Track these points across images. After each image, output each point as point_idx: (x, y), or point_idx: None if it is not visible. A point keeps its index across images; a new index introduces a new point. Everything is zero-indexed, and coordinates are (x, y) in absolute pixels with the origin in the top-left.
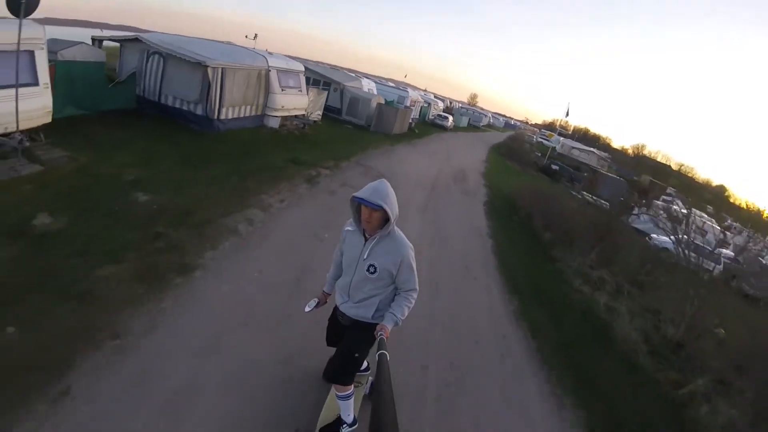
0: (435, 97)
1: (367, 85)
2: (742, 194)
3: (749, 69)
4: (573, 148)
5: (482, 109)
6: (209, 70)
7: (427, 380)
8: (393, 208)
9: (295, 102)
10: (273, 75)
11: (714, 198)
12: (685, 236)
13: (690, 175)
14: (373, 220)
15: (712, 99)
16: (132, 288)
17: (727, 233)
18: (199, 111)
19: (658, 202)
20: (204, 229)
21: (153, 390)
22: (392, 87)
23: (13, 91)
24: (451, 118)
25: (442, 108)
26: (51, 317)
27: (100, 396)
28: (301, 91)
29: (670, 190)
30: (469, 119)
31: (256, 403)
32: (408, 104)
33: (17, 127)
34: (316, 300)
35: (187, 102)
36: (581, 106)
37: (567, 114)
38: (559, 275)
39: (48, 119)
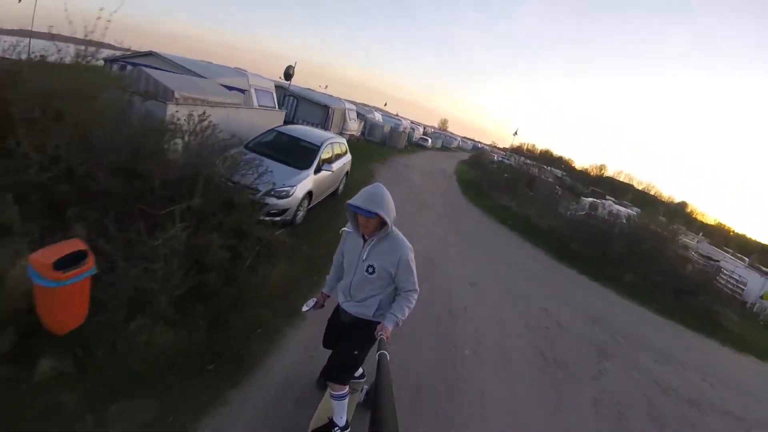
0: (412, 123)
1: (378, 116)
2: (704, 209)
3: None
4: (524, 164)
5: (452, 133)
6: (329, 109)
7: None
8: (389, 213)
9: (354, 126)
10: (346, 112)
11: (671, 211)
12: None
13: (649, 191)
14: (370, 225)
15: (680, 125)
16: None
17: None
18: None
19: (586, 198)
20: (370, 164)
21: None
22: (390, 117)
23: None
24: (430, 140)
25: (422, 132)
26: None
27: None
28: (356, 119)
29: (608, 198)
30: (442, 142)
31: None
32: (402, 130)
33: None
34: (315, 300)
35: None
36: (549, 131)
37: (515, 133)
38: (487, 198)
39: None
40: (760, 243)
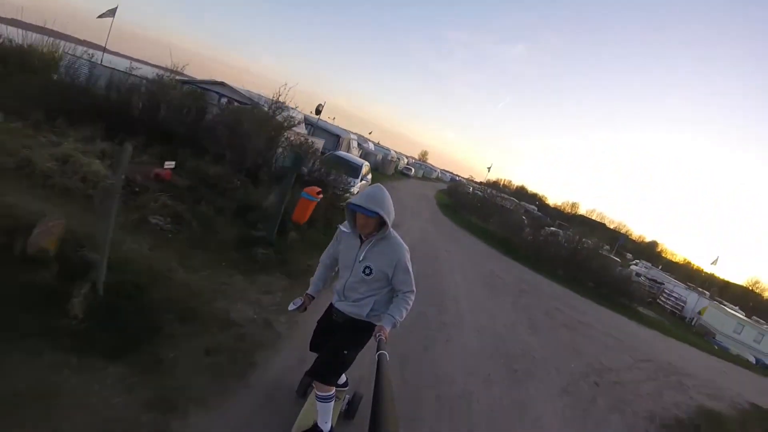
0: (396, 152)
1: (371, 145)
2: (674, 249)
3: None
4: (497, 196)
5: (432, 165)
6: (340, 138)
7: (426, 203)
8: (389, 213)
9: (356, 153)
10: (350, 141)
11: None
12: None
13: (620, 230)
14: (368, 225)
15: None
16: None
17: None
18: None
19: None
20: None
21: None
22: (380, 147)
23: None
24: (413, 169)
25: (406, 162)
26: None
27: None
28: (357, 147)
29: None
30: (423, 172)
31: None
32: (390, 158)
33: None
34: (301, 300)
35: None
36: (527, 168)
37: (489, 168)
38: (458, 215)
39: None
40: (723, 280)
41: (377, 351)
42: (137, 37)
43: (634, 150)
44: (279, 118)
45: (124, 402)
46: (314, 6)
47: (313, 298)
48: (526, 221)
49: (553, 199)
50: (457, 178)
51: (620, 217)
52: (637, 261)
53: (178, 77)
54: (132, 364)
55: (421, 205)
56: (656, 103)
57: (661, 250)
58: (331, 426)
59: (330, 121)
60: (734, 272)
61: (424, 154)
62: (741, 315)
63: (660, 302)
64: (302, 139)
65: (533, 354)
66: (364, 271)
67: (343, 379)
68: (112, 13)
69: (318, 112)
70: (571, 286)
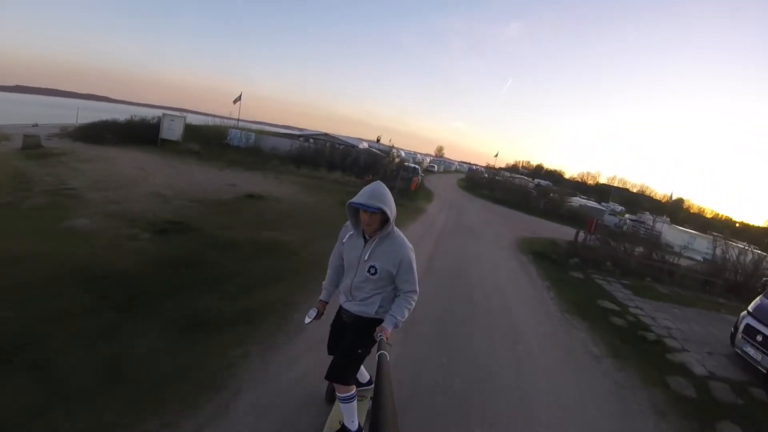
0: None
1: (403, 151)
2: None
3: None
4: (510, 176)
5: (449, 158)
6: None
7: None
8: (391, 209)
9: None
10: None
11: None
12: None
13: (643, 192)
14: (372, 222)
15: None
16: None
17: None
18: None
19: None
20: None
21: None
22: (409, 152)
23: None
24: (436, 166)
25: (429, 161)
26: None
27: None
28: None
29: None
30: (444, 167)
31: None
32: (419, 160)
33: None
34: (315, 310)
35: None
36: (545, 145)
37: (496, 155)
38: (474, 191)
39: None
40: (743, 223)
41: (378, 351)
42: (262, 103)
43: (649, 112)
44: (389, 156)
45: None
46: (302, 8)
47: (327, 303)
48: (533, 190)
49: (571, 172)
50: (474, 167)
51: (642, 180)
52: (583, 197)
53: (297, 133)
54: None
55: (448, 188)
56: (665, 62)
57: (688, 206)
58: (359, 425)
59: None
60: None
61: (440, 150)
62: (693, 231)
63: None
64: (399, 160)
65: (492, 229)
66: (369, 271)
67: (366, 377)
68: (239, 98)
69: (378, 140)
70: (534, 214)
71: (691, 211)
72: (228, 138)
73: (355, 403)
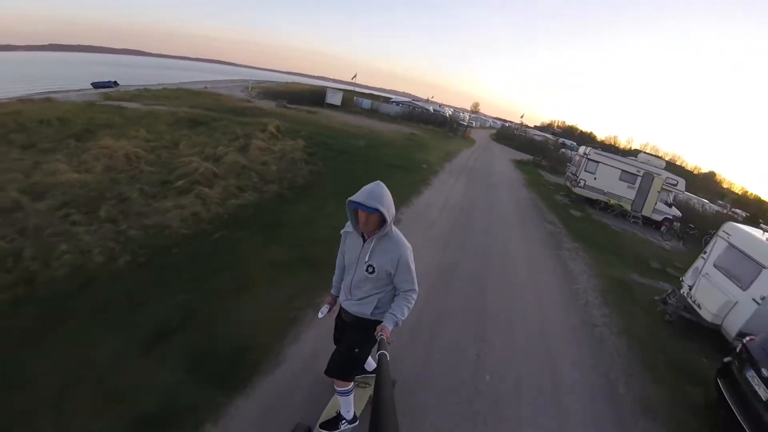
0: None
1: (449, 109)
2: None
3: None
4: (535, 135)
5: (485, 114)
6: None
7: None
8: (389, 210)
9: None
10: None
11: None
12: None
13: (674, 162)
14: (370, 222)
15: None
16: None
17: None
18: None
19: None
20: None
21: None
22: (455, 109)
23: None
24: (474, 123)
25: (468, 117)
26: None
27: None
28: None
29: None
30: (479, 123)
31: None
32: (461, 117)
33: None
34: (328, 306)
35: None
36: (581, 107)
37: (522, 116)
38: (501, 142)
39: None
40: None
41: (378, 351)
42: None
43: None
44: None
45: None
46: None
47: (337, 297)
48: (551, 144)
49: (602, 136)
50: (506, 124)
51: (674, 149)
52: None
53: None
54: None
55: (483, 139)
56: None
57: (720, 180)
58: (355, 413)
59: (431, 99)
60: None
61: (476, 106)
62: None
63: None
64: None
65: (503, 154)
66: (367, 270)
67: (372, 365)
68: (354, 77)
69: (431, 99)
70: (529, 153)
71: (723, 185)
72: (354, 102)
73: (351, 396)
